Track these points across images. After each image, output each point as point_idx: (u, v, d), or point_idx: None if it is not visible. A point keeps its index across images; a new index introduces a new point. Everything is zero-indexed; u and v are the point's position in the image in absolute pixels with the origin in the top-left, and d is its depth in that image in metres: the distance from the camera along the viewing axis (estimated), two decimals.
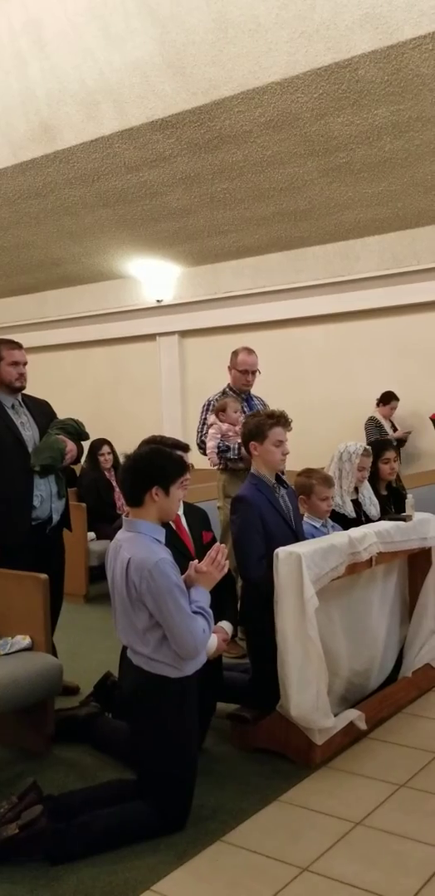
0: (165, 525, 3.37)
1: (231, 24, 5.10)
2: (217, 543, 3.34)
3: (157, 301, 10.62)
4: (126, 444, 3.54)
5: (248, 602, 3.90)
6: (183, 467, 3.39)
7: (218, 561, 3.27)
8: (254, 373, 5.87)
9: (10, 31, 6.03)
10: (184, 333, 10.75)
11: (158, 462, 3.31)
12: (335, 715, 3.79)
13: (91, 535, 7.25)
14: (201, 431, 5.84)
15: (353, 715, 3.87)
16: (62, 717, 4.06)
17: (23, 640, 3.94)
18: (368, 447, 4.94)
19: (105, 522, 7.28)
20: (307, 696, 3.61)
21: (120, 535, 3.31)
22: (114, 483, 7.70)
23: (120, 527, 3.37)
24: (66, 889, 2.84)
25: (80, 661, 5.08)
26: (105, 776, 3.58)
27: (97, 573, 7.05)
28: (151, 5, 5.28)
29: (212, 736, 3.91)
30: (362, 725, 3.89)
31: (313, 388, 9.48)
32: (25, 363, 4.62)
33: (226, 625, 3.79)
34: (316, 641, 3.60)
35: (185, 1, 5.15)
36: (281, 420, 4.05)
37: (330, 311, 9.36)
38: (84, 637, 5.84)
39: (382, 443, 6.23)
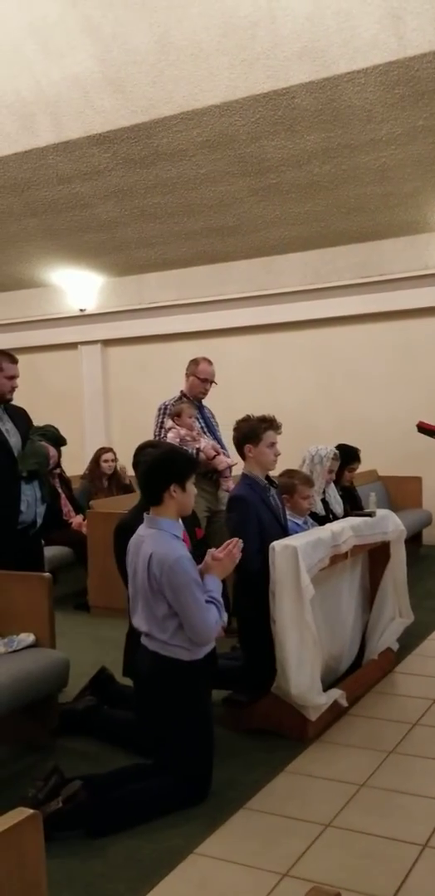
0: None
1: (173, 47, 5.29)
2: (235, 538, 3.63)
3: (80, 310, 10.70)
4: None
5: (243, 593, 4.20)
6: (195, 464, 3.70)
7: (233, 552, 3.58)
8: (212, 382, 6.16)
9: None
10: (106, 342, 10.85)
11: (173, 461, 3.60)
12: None
13: None
14: (159, 435, 5.98)
15: (337, 694, 4.25)
16: (61, 711, 4.24)
17: (27, 638, 4.10)
18: (337, 451, 5.33)
19: (54, 528, 7.35)
20: (304, 676, 3.95)
21: (141, 530, 3.58)
22: (60, 490, 7.78)
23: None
24: (116, 858, 3.06)
25: None
26: (118, 762, 3.77)
27: None
28: (93, 24, 5.40)
29: None
30: (344, 703, 4.29)
31: (239, 396, 9.82)
32: (18, 377, 4.78)
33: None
34: (311, 626, 3.96)
35: (129, 23, 5.31)
36: (273, 424, 4.36)
37: (253, 323, 9.70)
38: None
39: (352, 451, 6.33)
